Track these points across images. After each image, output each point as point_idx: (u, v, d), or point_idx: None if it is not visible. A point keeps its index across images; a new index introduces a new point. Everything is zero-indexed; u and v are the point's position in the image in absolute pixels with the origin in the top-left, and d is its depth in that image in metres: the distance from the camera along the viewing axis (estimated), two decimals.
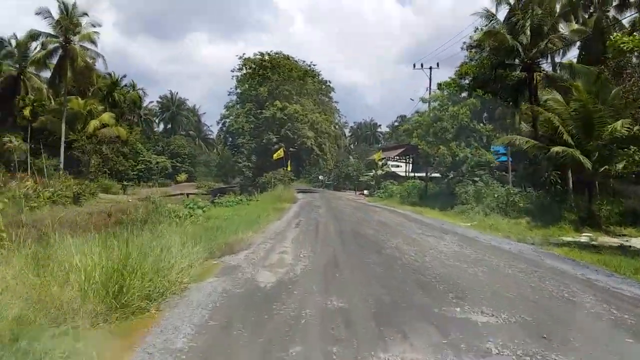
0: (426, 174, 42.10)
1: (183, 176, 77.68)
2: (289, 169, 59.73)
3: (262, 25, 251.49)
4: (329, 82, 67.68)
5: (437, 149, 33.78)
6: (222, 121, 66.64)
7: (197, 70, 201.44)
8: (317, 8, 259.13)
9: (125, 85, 65.67)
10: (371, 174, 52.70)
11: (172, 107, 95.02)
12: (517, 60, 34.31)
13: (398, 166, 55.77)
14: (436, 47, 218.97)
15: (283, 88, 63.26)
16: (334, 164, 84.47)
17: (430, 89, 40.17)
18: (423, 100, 37.43)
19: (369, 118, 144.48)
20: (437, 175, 50.52)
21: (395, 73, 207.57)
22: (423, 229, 20.25)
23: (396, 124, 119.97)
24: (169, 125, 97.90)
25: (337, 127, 72.98)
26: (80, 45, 49.93)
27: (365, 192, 66.26)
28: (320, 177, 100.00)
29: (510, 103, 35.40)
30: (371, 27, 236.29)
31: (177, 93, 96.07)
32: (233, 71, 65.81)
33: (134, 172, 73.44)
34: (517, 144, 26.46)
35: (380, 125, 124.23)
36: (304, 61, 67.64)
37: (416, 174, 55.72)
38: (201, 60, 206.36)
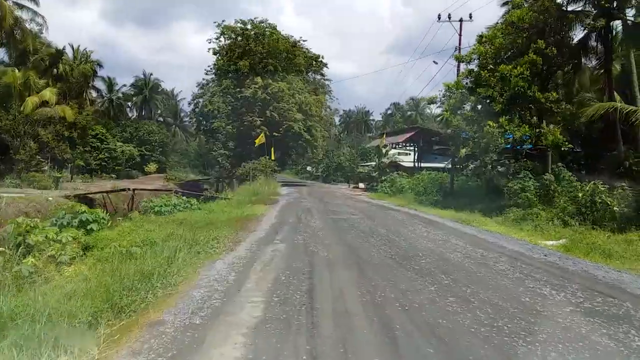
0: (453, 164, 31.33)
1: (152, 166, 66.24)
2: (272, 157, 48.69)
3: (250, 15, 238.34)
4: (322, 57, 56.75)
5: (484, 126, 22.87)
6: (195, 101, 55.20)
7: (184, 61, 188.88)
8: None
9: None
10: (372, 163, 41.70)
11: (145, 91, 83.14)
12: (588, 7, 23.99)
13: (407, 154, 44.87)
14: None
15: (267, 62, 51.98)
16: (324, 153, 73.54)
17: (460, 46, 29.26)
18: (457, 57, 26.39)
19: (360, 105, 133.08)
20: (447, 165, 40.22)
21: (387, 64, 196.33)
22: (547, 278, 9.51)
23: (389, 112, 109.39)
24: (142, 111, 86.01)
25: (328, 110, 61.84)
26: (13, 1, 38.52)
27: (361, 185, 55.64)
28: (309, 168, 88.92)
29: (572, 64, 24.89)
30: (362, 18, 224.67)
31: (150, 74, 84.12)
32: (209, 41, 54.18)
33: (96, 162, 62.18)
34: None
35: (372, 113, 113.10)
36: (292, 36, 56.37)
37: (424, 164, 44.95)
38: (188, 51, 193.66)
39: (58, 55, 45.39)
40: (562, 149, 23.35)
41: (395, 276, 8.94)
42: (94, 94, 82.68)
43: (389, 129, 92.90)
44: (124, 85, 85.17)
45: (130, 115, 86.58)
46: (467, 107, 25.91)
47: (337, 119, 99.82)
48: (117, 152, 63.43)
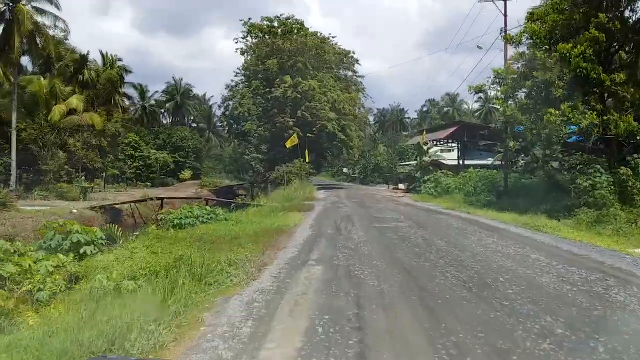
0: (506, 160, 28.21)
1: (187, 173, 64.67)
2: (307, 160, 46.21)
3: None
4: (353, 52, 53.90)
5: (543, 115, 19.70)
6: (225, 104, 53.16)
7: (215, 65, 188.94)
8: None
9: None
10: (412, 163, 38.67)
11: (177, 96, 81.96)
12: None
13: (450, 151, 41.53)
14: None
15: (297, 60, 49.51)
16: (360, 154, 70.71)
17: (506, 28, 25.96)
18: (506, 38, 23.04)
19: (394, 103, 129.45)
20: (495, 162, 37.04)
21: (417, 61, 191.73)
22: None
23: (425, 109, 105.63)
24: (176, 118, 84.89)
25: (362, 109, 58.92)
26: (33, 6, 37.13)
27: (402, 186, 52.61)
28: (345, 170, 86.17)
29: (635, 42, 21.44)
30: (390, 16, 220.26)
31: (181, 79, 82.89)
32: (236, 41, 52.09)
33: (131, 171, 61.09)
34: None
35: (407, 111, 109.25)
36: (320, 33, 53.69)
37: (468, 162, 41.63)
38: (218, 56, 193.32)
39: (83, 61, 43.99)
40: (638, 137, 19.98)
41: (481, 321, 6.15)
42: (127, 102, 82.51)
43: (427, 126, 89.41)
44: (156, 92, 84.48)
45: (164, 122, 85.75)
46: (521, 94, 22.73)
47: (371, 118, 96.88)
48: (151, 160, 62.22)
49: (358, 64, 54.27)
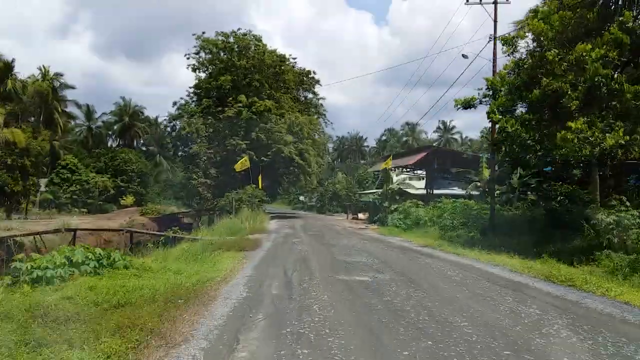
0: (491, 188, 23.77)
1: (129, 199, 57.99)
2: (259, 186, 40.84)
3: None
4: (314, 72, 49.29)
5: (556, 131, 15.06)
6: (171, 123, 47.24)
7: (173, 91, 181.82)
8: (293, 29, 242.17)
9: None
10: (373, 191, 33.74)
11: (126, 117, 75.26)
12: None
13: (420, 178, 36.60)
14: None
15: (252, 78, 44.49)
16: (318, 181, 65.71)
17: (495, 34, 21.66)
18: (504, 40, 18.37)
19: (353, 131, 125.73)
20: (469, 191, 32.72)
21: (375, 93, 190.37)
22: None
23: (384, 137, 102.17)
24: (124, 140, 77.92)
25: (322, 134, 54.09)
26: None
27: (361, 215, 47.83)
28: (301, 198, 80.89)
29: None
30: (349, 48, 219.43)
31: (130, 100, 76.31)
32: (187, 57, 46.54)
33: (66, 195, 54.06)
34: None
35: (366, 139, 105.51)
36: (279, 52, 48.86)
37: (437, 191, 37.13)
38: (178, 82, 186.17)
39: (7, 69, 37.67)
40: None
41: None
42: (71, 122, 75.36)
43: (387, 153, 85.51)
44: (104, 113, 77.63)
45: (111, 145, 78.71)
46: (520, 108, 18.20)
47: (330, 146, 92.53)
48: (89, 184, 55.31)
49: (319, 84, 49.65)
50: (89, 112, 76.71)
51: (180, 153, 47.01)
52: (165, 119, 47.52)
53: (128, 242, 24.62)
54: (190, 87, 46.89)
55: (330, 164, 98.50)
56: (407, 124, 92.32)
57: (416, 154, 32.74)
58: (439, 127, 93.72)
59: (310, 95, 50.53)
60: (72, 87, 58.97)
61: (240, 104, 42.84)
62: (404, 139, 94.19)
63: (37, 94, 40.18)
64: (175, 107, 46.03)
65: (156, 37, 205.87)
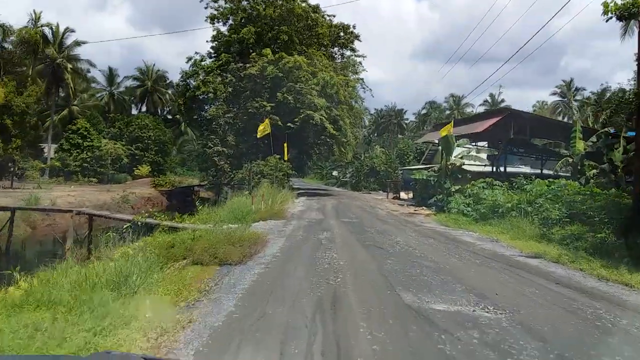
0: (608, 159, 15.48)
1: (145, 169, 51.15)
2: (285, 157, 33.16)
3: None
4: (353, 26, 40.70)
5: None
6: (184, 82, 39.46)
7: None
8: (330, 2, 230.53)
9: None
10: (424, 167, 25.28)
11: (148, 82, 68.37)
12: None
13: (489, 152, 27.36)
14: None
15: (280, 30, 36.38)
16: (353, 154, 57.54)
17: None
18: None
19: (391, 104, 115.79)
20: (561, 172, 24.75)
21: (413, 69, 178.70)
22: None
23: (424, 111, 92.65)
24: (147, 107, 71.18)
25: (359, 100, 45.42)
26: None
27: (404, 195, 39.82)
28: (334, 173, 72.96)
29: None
30: (386, 23, 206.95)
31: (153, 64, 69.24)
32: (206, 6, 38.52)
33: (76, 163, 47.66)
34: None
35: (406, 112, 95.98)
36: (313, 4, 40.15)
37: (510, 169, 28.68)
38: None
39: None
40: None
41: None
42: (92, 86, 68.98)
43: (428, 128, 76.57)
44: (125, 77, 70.84)
45: (135, 112, 72.15)
46: None
47: (366, 119, 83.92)
48: (101, 151, 48.67)
49: (358, 40, 40.91)
50: (111, 76, 70.06)
51: (195, 117, 39.43)
52: (178, 79, 39.96)
53: (79, 230, 17.23)
54: (207, 41, 39.05)
55: (367, 138, 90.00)
56: (452, 95, 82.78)
57: (486, 119, 24.14)
58: (486, 101, 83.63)
59: (348, 53, 42.02)
60: (83, 43, 51.66)
61: (265, 59, 34.91)
62: (447, 112, 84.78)
63: (23, 43, 33.20)
64: (190, 63, 38.33)
65: (191, 9, 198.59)
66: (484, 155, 23.92)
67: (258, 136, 28.83)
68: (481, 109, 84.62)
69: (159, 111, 73.35)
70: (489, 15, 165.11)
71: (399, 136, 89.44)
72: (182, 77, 38.58)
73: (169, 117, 74.13)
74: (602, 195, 16.40)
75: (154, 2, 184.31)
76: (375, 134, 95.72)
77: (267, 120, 28.13)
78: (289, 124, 34.68)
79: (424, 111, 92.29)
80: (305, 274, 8.39)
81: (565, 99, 69.70)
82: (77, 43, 52.38)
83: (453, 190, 22.91)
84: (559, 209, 15.68)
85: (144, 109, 71.60)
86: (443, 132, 23.41)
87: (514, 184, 21.46)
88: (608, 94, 55.04)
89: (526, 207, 17.15)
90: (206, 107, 36.52)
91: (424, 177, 24.28)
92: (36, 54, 36.31)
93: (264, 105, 34.46)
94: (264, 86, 35.99)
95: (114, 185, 44.63)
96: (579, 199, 16.55)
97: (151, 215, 15.83)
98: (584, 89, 68.63)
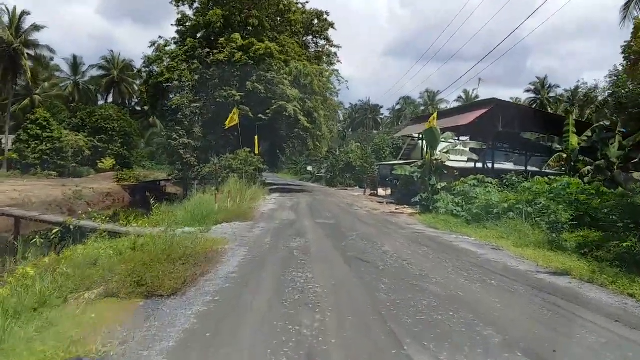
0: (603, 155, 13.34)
1: (109, 162, 47.57)
2: (256, 151, 30.37)
3: None
4: (327, 13, 37.94)
5: None
6: (147, 70, 36.20)
7: None
8: None
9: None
10: (418, 162, 22.61)
11: (114, 72, 64.34)
12: None
13: (475, 147, 24.54)
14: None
15: (250, 14, 33.44)
16: (328, 149, 54.94)
17: None
18: None
19: (366, 98, 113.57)
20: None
21: (384, 65, 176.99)
22: None
23: (398, 107, 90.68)
24: (114, 97, 67.14)
25: (334, 92, 42.66)
26: None
27: (381, 191, 37.71)
28: (309, 168, 70.34)
29: None
30: (358, 20, 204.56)
31: (119, 53, 65.27)
32: None
33: (35, 155, 43.93)
34: None
35: (381, 107, 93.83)
36: None
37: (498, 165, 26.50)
38: None
39: None
40: None
41: None
42: (55, 75, 64.60)
43: (403, 123, 74.58)
44: (91, 66, 66.51)
45: (101, 103, 67.90)
46: None
47: (340, 114, 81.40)
48: (62, 143, 44.89)
49: (333, 28, 38.18)
50: (75, 65, 65.75)
51: (159, 107, 36.11)
52: (141, 65, 36.50)
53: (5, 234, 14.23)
54: (172, 24, 35.80)
55: (341, 133, 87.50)
56: (427, 91, 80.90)
57: (471, 111, 21.77)
58: (460, 97, 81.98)
59: (322, 42, 39.23)
60: (42, 27, 47.64)
61: (233, 45, 31.98)
62: (422, 108, 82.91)
63: None
64: (153, 48, 35.03)
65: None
66: (470, 150, 21.55)
67: (225, 127, 25.95)
68: (455, 105, 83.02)
69: (127, 102, 69.38)
70: (460, 13, 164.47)
71: (374, 131, 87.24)
72: (144, 62, 35.30)
73: (137, 108, 70.15)
74: (610, 195, 14.23)
75: None
76: (350, 129, 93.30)
77: (235, 110, 25.26)
78: (260, 116, 31.90)
79: (398, 107, 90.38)
80: (267, 312, 5.78)
81: (539, 96, 68.46)
82: (36, 27, 48.33)
83: (439, 187, 20.57)
84: (564, 210, 13.44)
85: (110, 99, 67.70)
86: (428, 125, 20.98)
87: (504, 182, 19.26)
88: (580, 91, 54.07)
89: (525, 207, 14.87)
90: (171, 97, 33.38)
91: (407, 173, 21.84)
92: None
93: (233, 94, 31.54)
94: (233, 74, 33.06)
95: (75, 180, 41.13)
96: (583, 199, 14.38)
97: (90, 217, 13.01)
98: (558, 86, 67.43)
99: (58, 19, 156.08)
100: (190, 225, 13.93)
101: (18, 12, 47.29)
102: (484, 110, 21.70)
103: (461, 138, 26.84)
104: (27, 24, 47.69)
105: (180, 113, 33.07)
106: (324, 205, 24.17)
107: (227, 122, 25.39)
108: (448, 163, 22.27)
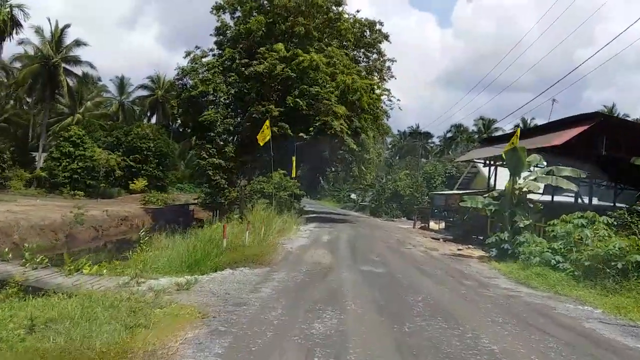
0: None
1: (140, 183, 44.38)
2: (293, 174, 26.12)
3: None
4: (380, 23, 33.57)
5: None
6: (180, 82, 32.74)
7: None
8: None
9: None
10: (494, 193, 17.16)
11: (158, 92, 62.26)
12: None
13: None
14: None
15: (295, 22, 29.51)
16: (374, 176, 50.07)
17: None
18: None
19: (414, 125, 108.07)
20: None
21: (434, 95, 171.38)
22: None
23: (449, 134, 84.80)
24: (157, 118, 65.02)
25: (386, 116, 37.52)
26: None
27: (433, 224, 32.78)
28: (353, 196, 65.60)
29: None
30: (408, 50, 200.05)
31: (165, 74, 63.07)
32: None
33: (65, 174, 41.14)
34: None
35: (432, 136, 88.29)
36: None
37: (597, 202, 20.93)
38: None
39: None
40: None
41: None
42: (102, 95, 63.18)
43: (453, 154, 69.09)
44: (138, 87, 64.91)
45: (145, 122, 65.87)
46: None
47: (387, 141, 76.46)
48: (94, 162, 42.06)
49: (387, 40, 33.71)
50: (122, 85, 64.50)
51: (191, 123, 32.44)
52: (174, 77, 32.99)
53: None
54: (210, 35, 32.33)
55: (388, 160, 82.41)
56: (482, 118, 74.97)
57: (567, 128, 16.63)
58: (517, 126, 75.49)
59: (374, 56, 34.75)
60: (84, 44, 45.68)
61: (275, 56, 28.06)
62: (476, 136, 76.85)
63: None
64: (189, 59, 31.57)
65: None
66: (563, 179, 16.25)
67: (260, 143, 21.67)
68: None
69: (170, 122, 67.15)
70: (511, 44, 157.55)
71: (423, 160, 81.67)
72: (178, 74, 31.81)
73: (181, 129, 67.82)
74: None
75: (180, 20, 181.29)
76: (397, 157, 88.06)
77: (267, 122, 21.04)
78: (301, 134, 27.61)
79: (449, 134, 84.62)
80: None
81: None
82: (77, 43, 46.46)
83: (522, 226, 15.36)
84: None
85: (154, 120, 65.65)
86: (508, 146, 15.92)
87: (620, 223, 13.88)
88: None
89: None
90: (204, 110, 29.69)
91: (479, 205, 16.68)
92: (3, 39, 30.00)
93: (271, 109, 27.47)
94: (272, 88, 29.16)
95: (104, 201, 38.03)
96: None
97: (22, 256, 8.76)
98: (627, 116, 60.30)
99: (120, 46, 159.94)
100: (176, 271, 9.47)
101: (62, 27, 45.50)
102: (583, 128, 16.43)
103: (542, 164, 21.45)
104: (69, 38, 45.93)
105: (212, 130, 29.26)
106: (369, 241, 19.31)
107: (259, 136, 21.19)
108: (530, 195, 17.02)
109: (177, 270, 9.69)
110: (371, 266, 12.31)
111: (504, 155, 15.88)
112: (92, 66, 48.49)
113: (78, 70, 47.69)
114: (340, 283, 9.52)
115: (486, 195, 17.44)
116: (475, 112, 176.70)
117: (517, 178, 16.40)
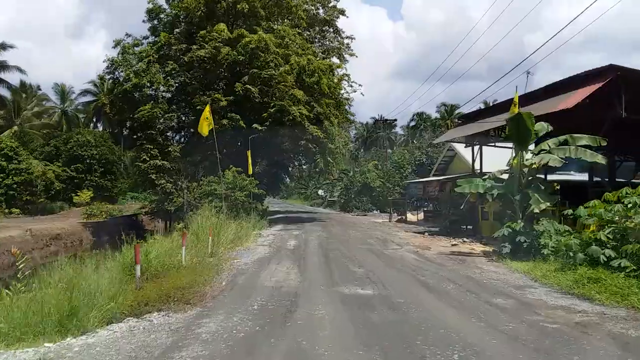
0: None
1: (85, 194, 39.11)
2: (250, 171, 22.05)
3: None
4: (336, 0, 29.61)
5: None
6: (111, 76, 27.91)
7: None
8: None
9: None
10: (495, 173, 13.43)
11: (102, 96, 56.40)
12: None
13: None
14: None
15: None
16: (342, 169, 46.54)
17: None
18: None
19: (377, 116, 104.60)
20: None
21: (391, 87, 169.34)
22: None
23: (412, 123, 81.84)
24: (102, 126, 59.27)
25: (348, 99, 33.48)
26: None
27: (411, 216, 29.34)
28: (320, 192, 61.76)
29: None
30: (363, 43, 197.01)
31: (109, 76, 57.24)
32: None
33: (0, 189, 35.62)
34: None
35: (395, 122, 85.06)
36: None
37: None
38: None
39: None
40: None
41: None
42: (47, 103, 57.15)
43: (418, 144, 65.99)
44: (80, 93, 58.90)
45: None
46: None
47: (351, 132, 72.90)
48: (31, 175, 36.62)
49: (344, 15, 29.87)
50: (63, 93, 58.39)
51: (127, 122, 27.72)
52: (104, 69, 28.04)
53: None
54: (143, 21, 27.64)
55: (353, 153, 78.87)
56: (444, 104, 72.39)
57: (577, 88, 13.15)
58: (480, 109, 73.21)
59: (331, 35, 30.73)
60: (11, 47, 40.17)
61: (218, 38, 23.79)
62: (439, 123, 74.22)
63: None
64: (118, 47, 26.78)
65: None
66: (583, 149, 12.68)
67: (203, 133, 17.38)
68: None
69: (119, 127, 61.56)
70: (463, 32, 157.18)
71: (389, 151, 78.47)
72: (107, 66, 26.96)
73: (134, 135, 62.32)
74: None
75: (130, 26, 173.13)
76: (362, 149, 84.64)
77: (207, 107, 16.87)
78: (255, 125, 23.46)
79: (412, 123, 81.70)
80: None
81: None
82: (2, 46, 40.91)
83: (537, 211, 11.76)
84: None
85: (100, 126, 59.89)
86: (512, 112, 12.35)
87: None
88: None
89: None
90: (139, 106, 25.11)
91: (479, 191, 12.96)
92: None
93: (219, 99, 23.22)
94: (218, 75, 24.92)
95: (41, 217, 32.97)
96: None
97: None
98: None
99: (68, 56, 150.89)
100: (35, 333, 5.34)
101: None
102: (596, 86, 13.00)
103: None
104: None
105: (152, 128, 24.78)
106: (345, 245, 15.38)
107: (199, 127, 16.99)
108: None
109: (38, 331, 5.57)
110: (356, 285, 8.42)
111: (466, 139, 12.24)
112: (21, 70, 42.88)
113: (11, 78, 42.44)
114: (313, 331, 5.56)
115: (485, 177, 13.75)
116: (434, 101, 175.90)
117: (524, 152, 12.78)
